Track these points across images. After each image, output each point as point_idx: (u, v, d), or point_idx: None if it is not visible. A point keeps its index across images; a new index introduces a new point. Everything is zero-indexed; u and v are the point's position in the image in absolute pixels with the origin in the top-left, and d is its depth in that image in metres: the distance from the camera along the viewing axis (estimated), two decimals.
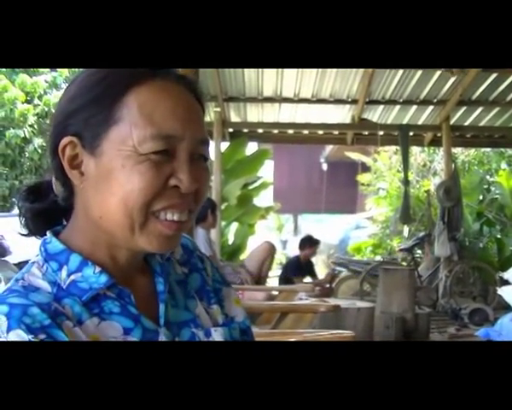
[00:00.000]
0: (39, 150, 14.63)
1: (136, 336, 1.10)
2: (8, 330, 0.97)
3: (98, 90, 1.09)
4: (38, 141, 14.71)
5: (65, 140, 1.10)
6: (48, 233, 1.16)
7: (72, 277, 1.10)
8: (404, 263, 10.46)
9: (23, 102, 14.92)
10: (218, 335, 1.23)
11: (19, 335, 0.96)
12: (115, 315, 1.10)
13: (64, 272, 1.10)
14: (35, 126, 14.90)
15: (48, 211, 1.20)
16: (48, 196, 1.20)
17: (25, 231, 1.21)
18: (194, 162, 1.10)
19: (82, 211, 1.13)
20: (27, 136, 14.70)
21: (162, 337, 1.14)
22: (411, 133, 10.57)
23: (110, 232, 1.10)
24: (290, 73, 8.97)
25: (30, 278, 1.09)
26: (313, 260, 10.56)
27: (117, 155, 1.06)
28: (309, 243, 9.61)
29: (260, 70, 8.86)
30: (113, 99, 1.07)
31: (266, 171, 14.19)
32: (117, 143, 1.06)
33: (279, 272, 10.09)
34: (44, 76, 15.57)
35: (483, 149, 13.60)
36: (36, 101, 15.29)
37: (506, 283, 5.59)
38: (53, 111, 1.18)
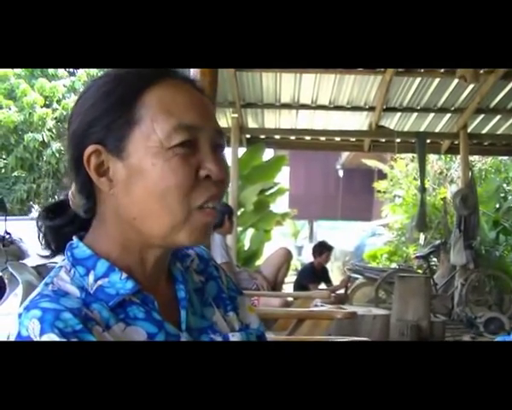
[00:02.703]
0: (57, 154, 14.73)
1: (159, 341, 1.12)
2: (42, 333, 0.98)
3: (115, 96, 1.11)
4: (56, 145, 14.82)
5: (89, 149, 1.11)
6: (74, 238, 1.17)
7: (99, 282, 1.11)
8: (420, 271, 10.42)
9: (42, 106, 15.03)
10: (235, 339, 1.24)
11: (51, 339, 0.98)
12: (140, 321, 1.12)
13: (91, 277, 1.12)
14: (53, 130, 15.01)
15: (68, 226, 1.22)
16: (66, 211, 1.22)
17: (47, 252, 1.23)
18: (216, 152, 1.14)
19: (111, 216, 1.14)
20: (46, 140, 14.80)
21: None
22: (428, 141, 10.51)
23: (145, 232, 1.12)
24: (308, 80, 8.97)
25: (59, 283, 1.10)
26: (328, 266, 10.53)
27: (145, 154, 1.08)
28: (322, 250, 9.55)
29: (278, 76, 8.86)
30: (130, 102, 1.10)
31: (283, 177, 14.16)
32: (142, 141, 1.09)
33: (294, 278, 10.06)
34: (63, 80, 15.68)
35: (500, 158, 13.52)
36: (54, 105, 15.40)
37: None
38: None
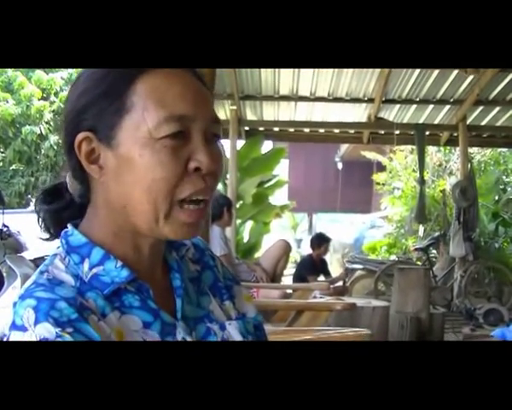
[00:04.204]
0: (55, 147, 14.73)
1: (155, 330, 1.12)
2: (36, 323, 0.97)
3: (107, 83, 1.09)
4: (54, 138, 14.81)
5: (80, 136, 1.10)
6: (69, 226, 1.16)
7: (94, 270, 1.11)
8: (419, 263, 10.44)
9: (39, 99, 15.02)
10: (232, 328, 1.24)
11: (46, 328, 0.97)
12: (135, 309, 1.11)
13: (86, 265, 1.11)
14: (51, 123, 15.00)
15: (65, 210, 1.21)
16: (64, 195, 1.21)
17: (46, 236, 1.23)
18: (209, 142, 1.11)
19: (104, 204, 1.14)
20: (43, 132, 14.80)
21: (179, 331, 1.15)
22: (427, 133, 10.51)
23: (135, 221, 1.10)
24: (307, 72, 8.95)
25: (54, 271, 1.09)
26: (328, 259, 10.53)
27: (134, 144, 1.07)
28: (321, 242, 9.54)
29: (277, 69, 8.85)
30: (122, 89, 1.08)
31: (282, 169, 14.18)
32: (131, 131, 1.07)
33: (293, 270, 10.05)
34: (61, 73, 15.66)
35: (499, 149, 13.53)
36: (52, 98, 15.39)
37: None
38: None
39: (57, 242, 1.17)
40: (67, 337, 0.97)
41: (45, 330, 0.97)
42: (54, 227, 1.21)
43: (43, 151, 14.97)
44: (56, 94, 15.41)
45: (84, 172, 1.13)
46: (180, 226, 1.10)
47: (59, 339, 0.97)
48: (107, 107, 1.08)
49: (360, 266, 10.32)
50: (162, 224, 1.09)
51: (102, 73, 1.11)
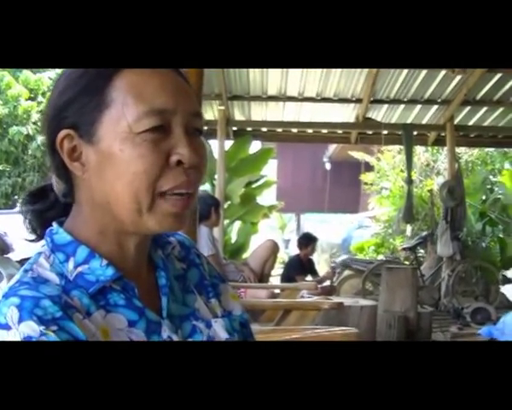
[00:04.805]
0: (42, 148, 14.65)
1: (140, 328, 1.11)
2: (20, 321, 0.97)
3: (86, 79, 1.09)
4: (41, 138, 14.71)
5: (61, 133, 1.10)
6: (54, 224, 1.16)
7: (79, 268, 1.10)
8: (407, 262, 10.47)
9: (26, 100, 14.95)
10: (218, 326, 1.24)
11: (30, 326, 0.96)
12: (120, 307, 1.11)
13: (71, 264, 1.10)
14: (38, 124, 14.92)
15: (50, 210, 1.20)
16: (48, 196, 1.21)
17: (32, 237, 1.22)
18: (191, 136, 1.11)
19: (88, 201, 1.13)
20: (31, 133, 14.72)
21: (165, 329, 1.15)
22: (415, 133, 10.54)
23: (119, 217, 1.10)
24: (295, 72, 8.95)
25: (39, 270, 1.09)
26: (316, 259, 10.53)
27: (114, 139, 1.06)
28: (308, 241, 9.55)
29: (265, 69, 8.85)
30: (102, 85, 1.08)
31: (270, 169, 14.17)
32: (112, 126, 1.07)
33: (281, 271, 10.06)
34: (48, 73, 15.59)
35: (487, 149, 13.60)
36: (39, 98, 15.32)
37: (510, 281, 5.59)
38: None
39: (43, 242, 1.16)
40: (52, 335, 0.97)
41: (29, 329, 0.96)
42: (40, 228, 1.20)
43: (30, 152, 14.90)
44: (44, 94, 15.34)
45: (68, 170, 1.12)
46: (165, 217, 1.09)
47: (43, 337, 0.96)
48: (88, 103, 1.08)
49: (348, 267, 10.34)
50: (146, 216, 1.08)
51: (82, 70, 1.11)
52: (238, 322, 1.32)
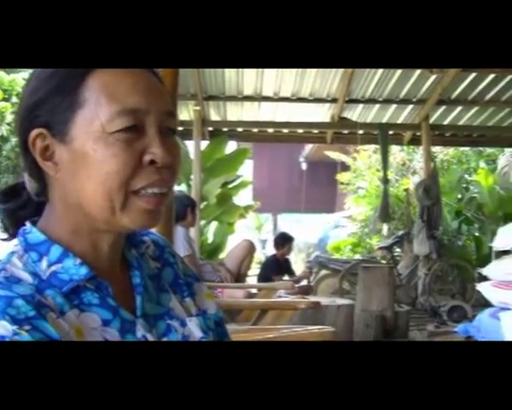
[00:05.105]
0: (17, 149, 14.54)
1: (114, 328, 1.11)
2: None
3: (59, 78, 1.08)
4: (16, 140, 14.61)
5: (34, 133, 1.09)
6: (27, 223, 1.15)
7: (53, 268, 1.09)
8: (384, 261, 10.52)
9: (0, 100, 14.82)
10: (193, 324, 1.24)
11: (3, 326, 0.95)
12: (94, 307, 1.10)
13: (44, 263, 1.09)
14: (12, 125, 14.80)
15: (23, 209, 1.20)
16: (21, 195, 1.20)
17: (5, 236, 1.21)
18: (165, 136, 1.11)
19: (60, 201, 1.13)
20: (5, 134, 14.60)
21: (139, 328, 1.14)
22: (391, 132, 10.61)
23: (92, 216, 1.10)
24: (270, 72, 8.97)
25: (12, 269, 1.08)
26: (292, 258, 10.55)
27: (87, 139, 1.06)
28: (284, 241, 9.57)
29: (240, 69, 8.85)
30: (75, 84, 1.07)
31: (246, 170, 14.17)
32: (85, 126, 1.06)
33: (258, 271, 10.07)
34: (22, 74, 15.47)
35: (462, 148, 13.70)
36: (14, 99, 15.18)
37: (485, 279, 5.63)
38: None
39: (16, 241, 1.15)
40: (25, 335, 0.96)
41: (2, 328, 0.95)
42: (12, 227, 1.20)
43: (4, 153, 14.79)
44: (18, 95, 15.22)
45: (40, 169, 1.12)
46: (139, 214, 1.09)
47: (16, 337, 0.95)
48: (60, 102, 1.07)
49: (324, 266, 10.37)
50: (119, 214, 1.08)
51: (52, 69, 1.10)
52: (213, 321, 1.32)
